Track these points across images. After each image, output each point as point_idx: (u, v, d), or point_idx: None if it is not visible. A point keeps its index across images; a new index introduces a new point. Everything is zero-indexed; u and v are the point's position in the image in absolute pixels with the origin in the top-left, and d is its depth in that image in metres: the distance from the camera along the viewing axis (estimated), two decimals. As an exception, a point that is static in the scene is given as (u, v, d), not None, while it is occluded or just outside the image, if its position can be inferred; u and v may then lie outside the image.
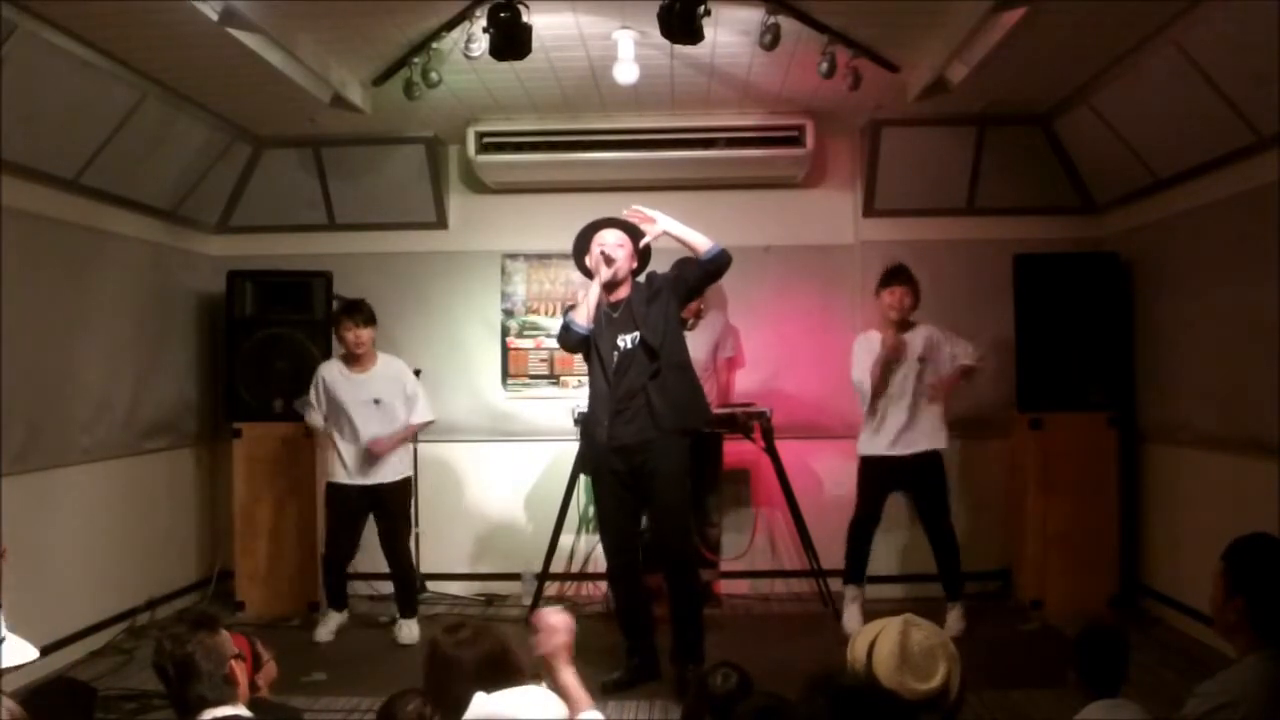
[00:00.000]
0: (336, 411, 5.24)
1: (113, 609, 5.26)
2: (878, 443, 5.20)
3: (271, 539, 5.84)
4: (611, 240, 4.40)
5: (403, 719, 2.49)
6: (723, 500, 5.94)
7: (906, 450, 5.16)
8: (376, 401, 5.23)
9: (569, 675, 2.62)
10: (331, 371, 5.30)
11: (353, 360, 5.26)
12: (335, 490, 5.32)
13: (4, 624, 2.17)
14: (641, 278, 4.53)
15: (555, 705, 2.37)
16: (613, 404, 4.32)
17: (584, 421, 4.68)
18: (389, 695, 2.48)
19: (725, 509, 5.99)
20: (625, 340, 4.36)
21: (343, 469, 5.27)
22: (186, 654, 2.24)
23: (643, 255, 4.51)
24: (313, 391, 5.30)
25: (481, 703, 2.21)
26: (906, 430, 5.16)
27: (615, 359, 4.35)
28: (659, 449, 4.33)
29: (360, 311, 5.24)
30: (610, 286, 4.41)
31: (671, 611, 4.50)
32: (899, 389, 5.18)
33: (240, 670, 2.34)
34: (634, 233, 4.42)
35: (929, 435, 5.18)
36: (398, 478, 5.35)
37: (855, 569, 5.32)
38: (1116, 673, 2.70)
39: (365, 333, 5.21)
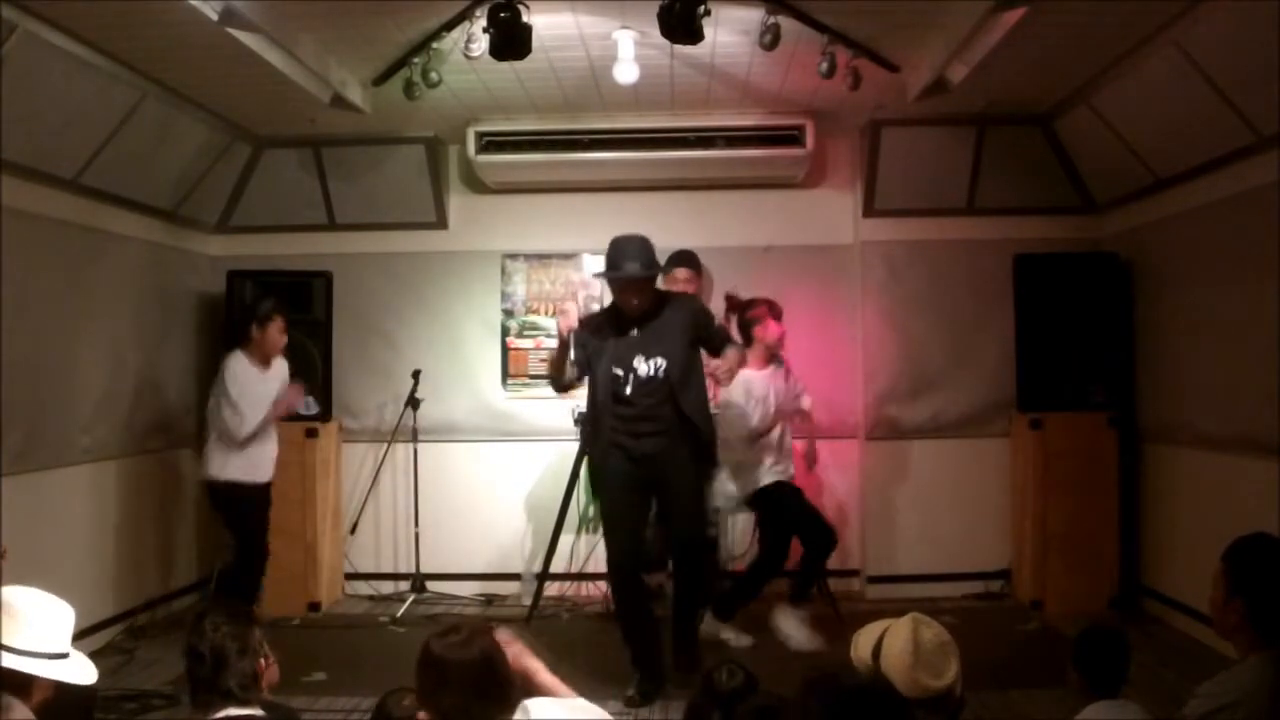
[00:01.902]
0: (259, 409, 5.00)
1: (113, 609, 5.26)
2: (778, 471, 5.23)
3: (271, 539, 5.81)
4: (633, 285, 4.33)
5: (398, 716, 2.49)
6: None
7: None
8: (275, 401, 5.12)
9: None
10: (248, 370, 5.02)
11: (264, 359, 5.08)
12: (265, 491, 5.15)
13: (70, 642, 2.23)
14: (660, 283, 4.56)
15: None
16: (627, 424, 4.33)
17: (590, 435, 4.57)
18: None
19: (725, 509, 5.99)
20: (646, 365, 4.31)
21: (270, 467, 5.11)
22: (225, 645, 2.24)
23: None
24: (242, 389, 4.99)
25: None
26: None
27: (631, 380, 4.31)
28: (676, 461, 4.38)
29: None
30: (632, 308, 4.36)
31: (674, 606, 4.54)
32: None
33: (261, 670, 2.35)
34: (653, 267, 4.38)
35: None
36: None
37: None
38: (1117, 673, 2.70)
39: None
